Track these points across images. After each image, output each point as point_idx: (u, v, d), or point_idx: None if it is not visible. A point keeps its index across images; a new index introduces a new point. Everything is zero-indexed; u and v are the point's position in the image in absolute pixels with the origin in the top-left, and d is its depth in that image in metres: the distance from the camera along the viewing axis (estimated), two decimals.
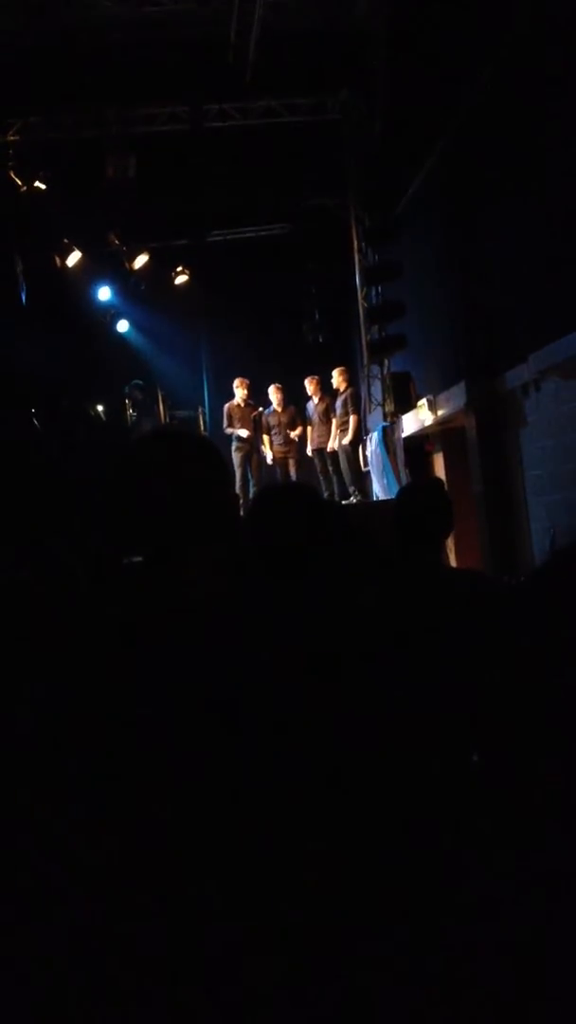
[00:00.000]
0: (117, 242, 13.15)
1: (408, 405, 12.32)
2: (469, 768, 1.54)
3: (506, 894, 1.42)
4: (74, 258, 12.68)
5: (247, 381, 12.11)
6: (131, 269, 13.34)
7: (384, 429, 12.28)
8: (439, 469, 12.43)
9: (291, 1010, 1.22)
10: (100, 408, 13.16)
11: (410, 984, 1.26)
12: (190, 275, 13.63)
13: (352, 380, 12.59)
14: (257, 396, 12.19)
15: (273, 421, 12.08)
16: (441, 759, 1.55)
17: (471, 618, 2.68)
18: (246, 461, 11.88)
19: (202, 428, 12.86)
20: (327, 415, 12.03)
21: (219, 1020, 1.22)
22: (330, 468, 12.12)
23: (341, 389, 11.99)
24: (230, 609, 1.49)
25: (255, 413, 12.02)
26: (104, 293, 13.55)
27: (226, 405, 12.09)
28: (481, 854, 1.45)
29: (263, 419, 12.06)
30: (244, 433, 11.79)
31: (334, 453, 12.02)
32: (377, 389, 13.09)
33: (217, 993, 1.22)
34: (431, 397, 11.58)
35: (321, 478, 12.11)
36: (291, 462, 12.10)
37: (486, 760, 1.60)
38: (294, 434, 12.00)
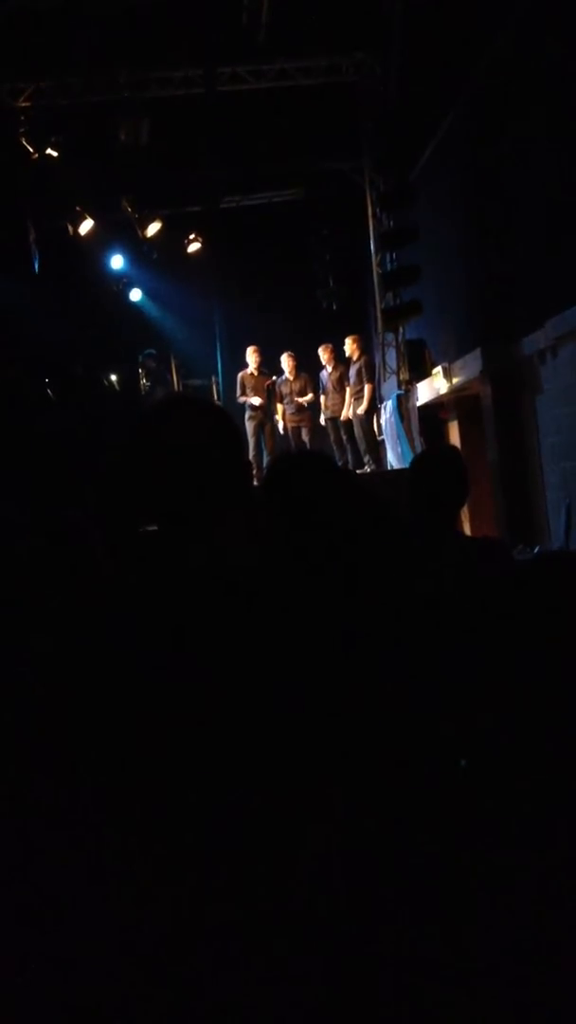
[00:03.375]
0: (130, 209, 13.04)
1: (423, 373, 12.23)
2: (460, 769, 1.54)
3: (507, 889, 1.42)
4: (86, 226, 12.60)
5: (260, 349, 12.04)
6: (144, 237, 13.25)
7: (399, 397, 12.20)
8: (454, 437, 12.38)
9: (290, 1005, 1.23)
10: (114, 377, 13.14)
11: (411, 978, 1.26)
12: (203, 242, 13.53)
13: (366, 348, 12.50)
14: (271, 365, 12.12)
15: (286, 389, 12.01)
16: (448, 736, 1.54)
17: (487, 587, 2.67)
18: (259, 430, 11.84)
19: (216, 397, 12.83)
20: (341, 383, 11.95)
21: (218, 1012, 1.22)
22: (344, 437, 12.06)
23: (355, 357, 11.90)
24: (245, 577, 1.48)
25: (268, 382, 11.96)
26: (117, 261, 13.47)
27: (239, 374, 12.03)
28: (479, 845, 1.45)
29: (276, 388, 12.00)
30: (257, 401, 11.74)
31: (348, 422, 11.95)
32: (392, 356, 13.00)
33: (216, 985, 1.22)
34: (446, 364, 11.49)
35: (335, 447, 12.05)
36: (304, 431, 12.04)
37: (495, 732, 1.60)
38: (304, 400, 11.91)
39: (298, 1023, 1.23)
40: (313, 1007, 1.23)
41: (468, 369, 10.71)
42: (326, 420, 12.16)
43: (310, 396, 11.98)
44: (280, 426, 12.06)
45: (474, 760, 1.54)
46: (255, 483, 1.75)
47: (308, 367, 12.20)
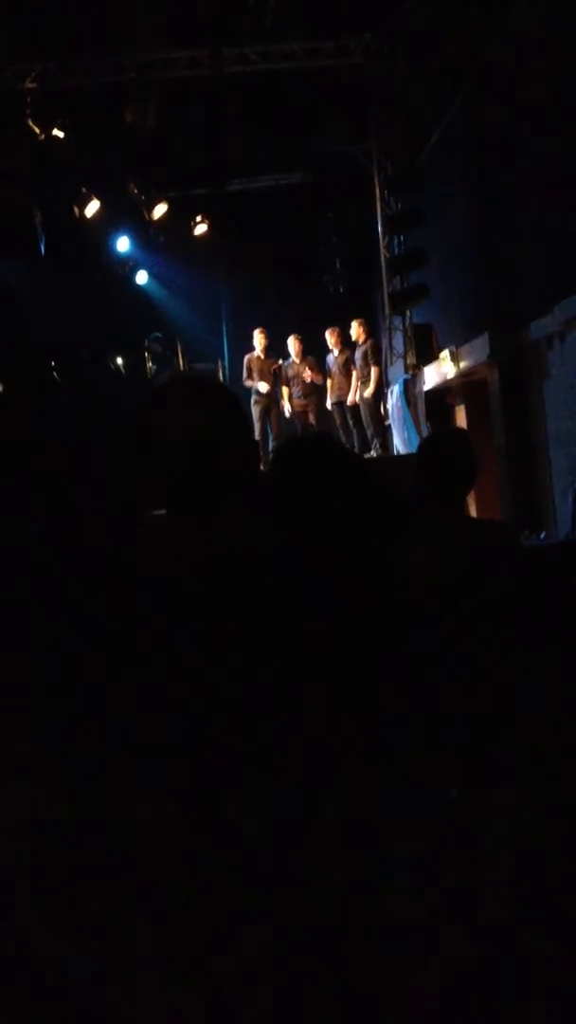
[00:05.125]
0: (136, 191, 12.98)
1: (430, 357, 12.18)
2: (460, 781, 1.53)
3: (502, 885, 1.42)
4: (92, 208, 12.54)
5: (267, 332, 11.99)
6: (150, 219, 13.19)
7: (405, 382, 12.16)
8: (461, 422, 12.35)
9: (289, 995, 1.22)
10: (120, 360, 13.11)
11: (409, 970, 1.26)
12: (209, 225, 13.47)
13: (372, 331, 12.44)
14: (277, 348, 12.07)
15: (291, 372, 11.97)
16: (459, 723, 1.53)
17: (494, 569, 2.66)
18: (265, 415, 11.79)
19: (221, 380, 12.79)
20: (347, 367, 11.90)
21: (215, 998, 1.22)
22: (350, 421, 12.01)
23: (360, 341, 11.85)
24: (250, 560, 1.47)
25: (275, 365, 11.91)
26: (123, 244, 13.42)
27: (246, 357, 11.99)
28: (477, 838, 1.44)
29: (282, 371, 11.95)
30: (264, 387, 11.68)
31: (354, 406, 11.91)
32: (399, 341, 12.95)
33: (214, 973, 1.22)
34: (453, 349, 11.46)
35: (341, 431, 12.00)
36: (311, 415, 12.00)
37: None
38: (307, 374, 11.75)
39: (298, 1014, 1.23)
40: (313, 999, 1.23)
41: (475, 354, 10.67)
42: (332, 404, 12.11)
43: (316, 373, 11.85)
44: (287, 410, 12.01)
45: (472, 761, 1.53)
46: (261, 466, 1.74)
47: (315, 351, 12.15)
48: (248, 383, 11.76)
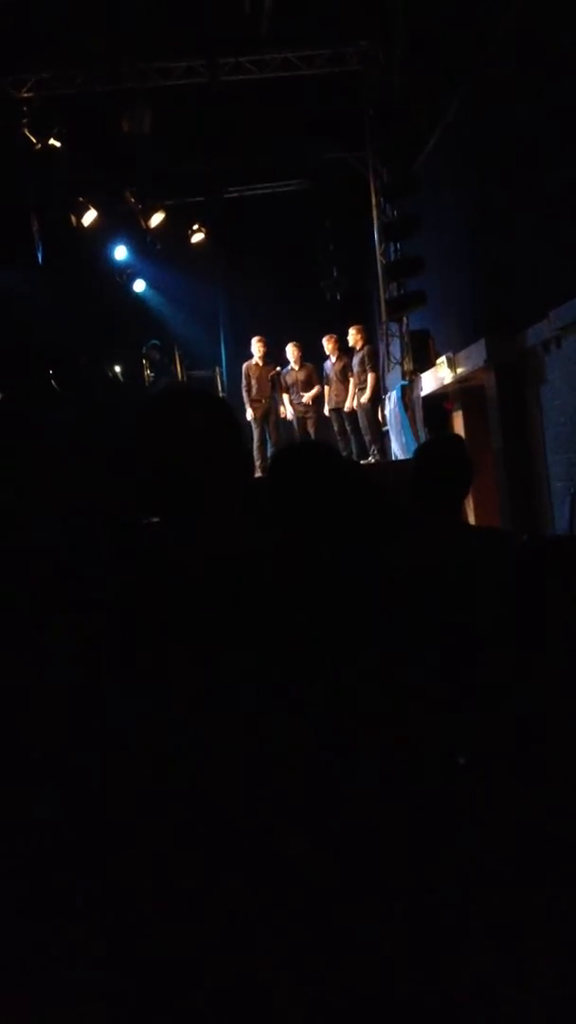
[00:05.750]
0: (133, 200, 13.03)
1: (427, 363, 12.20)
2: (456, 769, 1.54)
3: (503, 874, 1.43)
4: (90, 217, 12.58)
5: (265, 339, 12.01)
6: (147, 227, 13.23)
7: (403, 388, 12.18)
8: (458, 427, 12.36)
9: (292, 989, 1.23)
10: (118, 368, 13.14)
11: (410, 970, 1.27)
12: (207, 233, 13.51)
13: (369, 338, 12.46)
14: (275, 355, 12.09)
15: (290, 379, 11.99)
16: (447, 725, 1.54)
17: (490, 576, 2.67)
18: (263, 421, 11.81)
19: (219, 387, 12.81)
20: (344, 374, 11.91)
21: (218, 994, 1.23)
22: (348, 428, 12.02)
23: (358, 347, 11.87)
24: (249, 568, 1.49)
25: (273, 372, 11.93)
26: (120, 252, 13.45)
27: (244, 365, 12.01)
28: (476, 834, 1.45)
29: (280, 378, 11.97)
30: (249, 415, 11.66)
31: (352, 412, 11.92)
32: (396, 347, 12.97)
33: (218, 970, 1.23)
34: (450, 354, 11.47)
35: (339, 437, 12.02)
36: (309, 422, 12.01)
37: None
38: (307, 397, 11.86)
39: (300, 1006, 1.24)
40: (314, 990, 1.24)
41: (472, 359, 10.69)
42: (330, 411, 12.11)
43: (315, 391, 11.92)
44: (290, 414, 12.00)
45: (473, 755, 1.54)
46: (258, 473, 1.76)
47: (312, 357, 12.18)
48: (246, 395, 11.77)
